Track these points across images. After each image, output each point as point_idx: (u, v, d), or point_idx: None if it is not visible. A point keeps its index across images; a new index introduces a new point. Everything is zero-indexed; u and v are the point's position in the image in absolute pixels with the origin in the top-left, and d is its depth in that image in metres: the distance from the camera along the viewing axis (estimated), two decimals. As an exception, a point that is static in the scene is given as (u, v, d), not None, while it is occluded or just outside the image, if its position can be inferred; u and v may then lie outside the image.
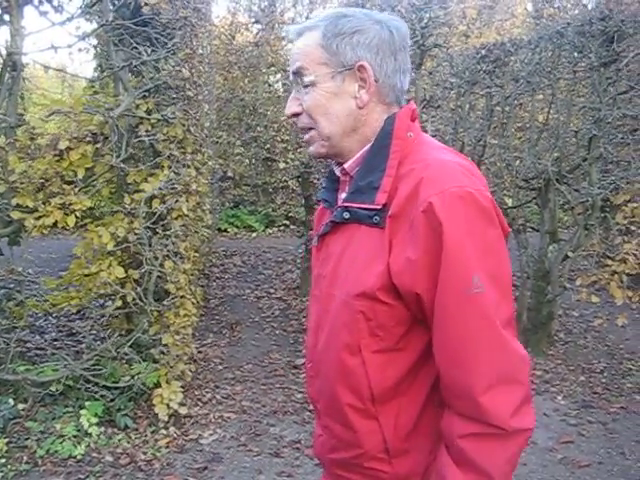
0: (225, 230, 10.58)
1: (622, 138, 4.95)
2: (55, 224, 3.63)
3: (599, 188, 4.82)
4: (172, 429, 3.87)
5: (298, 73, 1.31)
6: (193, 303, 4.22)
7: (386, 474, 1.29)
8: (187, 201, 3.99)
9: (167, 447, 3.73)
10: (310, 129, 1.33)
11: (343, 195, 1.36)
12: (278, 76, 11.23)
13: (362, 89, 1.28)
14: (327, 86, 1.29)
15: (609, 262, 4.70)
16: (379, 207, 1.23)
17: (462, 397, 1.17)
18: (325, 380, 1.34)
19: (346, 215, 1.29)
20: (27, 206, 3.54)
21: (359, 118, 1.30)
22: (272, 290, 7.32)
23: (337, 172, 1.39)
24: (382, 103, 1.31)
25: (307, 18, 11.41)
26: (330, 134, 1.31)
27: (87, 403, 3.77)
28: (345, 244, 1.30)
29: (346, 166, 1.34)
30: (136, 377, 3.83)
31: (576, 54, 5.11)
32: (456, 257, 1.13)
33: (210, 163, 5.73)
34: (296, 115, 1.35)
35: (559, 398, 4.56)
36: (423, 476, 1.28)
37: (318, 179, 6.32)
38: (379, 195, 1.23)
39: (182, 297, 4.01)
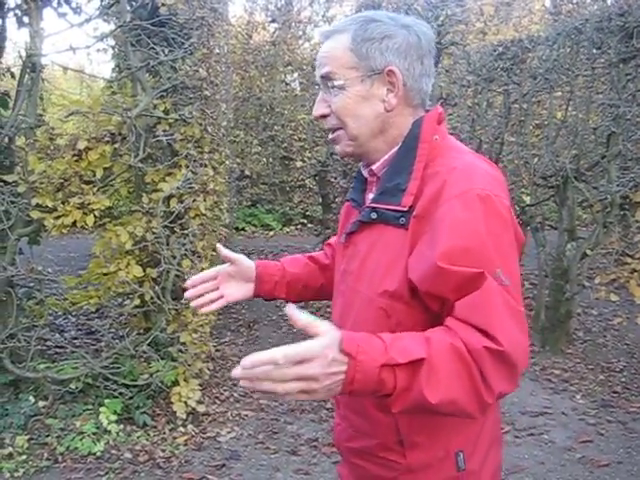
0: (242, 229, 10.61)
1: (641, 135, 4.90)
2: (74, 223, 3.67)
3: (618, 185, 4.78)
4: (190, 427, 3.90)
5: (326, 77, 1.34)
6: (211, 302, 4.23)
7: (399, 464, 1.33)
8: (204, 200, 4.01)
9: (185, 444, 3.76)
10: (338, 129, 1.36)
11: (370, 195, 1.39)
12: (295, 75, 11.26)
13: (390, 93, 1.31)
14: (356, 90, 1.31)
15: (628, 260, 4.66)
16: (405, 209, 1.25)
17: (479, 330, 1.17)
18: None
19: (373, 215, 1.32)
20: (46, 206, 3.57)
21: (387, 121, 1.33)
22: (289, 289, 7.32)
23: (365, 173, 1.43)
24: (409, 106, 1.34)
25: (324, 17, 11.41)
26: (358, 135, 1.34)
27: (106, 401, 3.81)
28: (372, 243, 1.33)
29: (374, 167, 1.37)
30: (154, 375, 3.86)
31: (595, 50, 5.07)
32: (479, 251, 1.16)
33: (227, 162, 5.75)
34: (324, 117, 1.38)
35: (578, 397, 4.53)
36: None
37: (335, 178, 6.33)
38: (405, 197, 1.26)
39: (200, 296, 4.02)
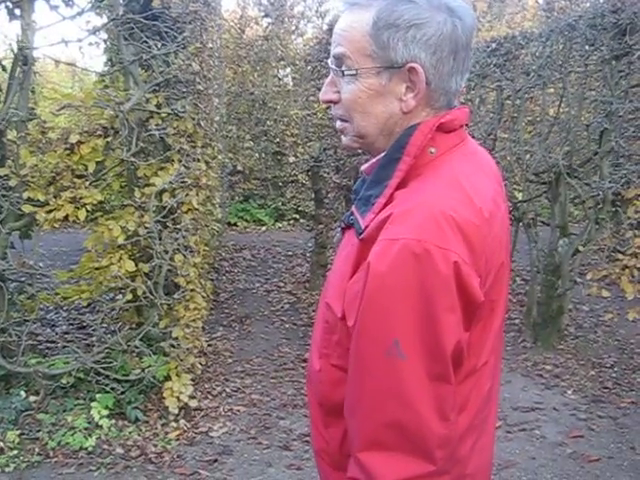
0: (235, 224, 10.59)
1: (634, 131, 4.93)
2: (66, 218, 3.65)
3: (610, 182, 4.80)
4: (182, 422, 3.89)
5: (339, 59, 1.15)
6: (203, 297, 4.23)
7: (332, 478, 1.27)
8: (197, 195, 4.00)
9: (177, 440, 3.75)
10: (345, 121, 1.19)
11: None
12: (288, 70, 11.23)
13: (410, 92, 1.12)
14: (370, 82, 1.12)
15: (620, 256, 4.68)
16: (363, 227, 1.12)
17: (352, 443, 1.11)
18: (307, 372, 1.34)
19: (351, 219, 1.20)
20: (38, 200, 3.56)
21: (400, 123, 1.15)
22: (282, 284, 7.33)
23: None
24: (430, 107, 1.14)
25: (317, 12, 11.39)
26: (366, 134, 1.17)
27: (98, 396, 3.80)
28: (344, 247, 1.24)
29: (362, 168, 1.25)
30: (146, 370, 3.85)
31: (587, 47, 5.08)
32: (376, 310, 1.03)
33: (220, 157, 5.73)
34: (331, 102, 1.20)
35: (569, 392, 4.55)
36: None
37: (328, 173, 6.32)
38: (368, 215, 1.12)
39: (192, 290, 4.02)
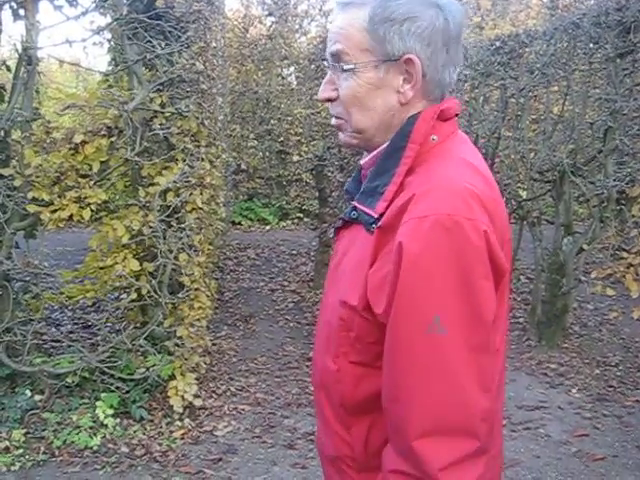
0: (239, 223, 10.59)
1: (638, 129, 4.90)
2: (70, 217, 3.66)
3: (615, 180, 4.79)
4: (187, 421, 3.90)
5: (336, 56, 1.18)
6: (207, 296, 4.24)
7: None
8: (201, 194, 4.00)
9: (182, 438, 3.76)
10: (341, 118, 1.22)
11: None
12: (292, 69, 11.23)
13: (407, 84, 1.16)
14: (368, 76, 1.16)
15: (624, 255, 4.67)
16: (376, 216, 1.14)
17: (398, 433, 1.09)
18: (315, 377, 1.32)
19: (354, 215, 1.22)
20: (43, 199, 3.57)
21: (398, 115, 1.18)
22: (286, 283, 7.34)
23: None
24: (425, 99, 1.19)
25: (320, 10, 11.39)
26: (364, 129, 1.20)
27: (103, 395, 3.81)
28: (348, 244, 1.24)
29: (362, 162, 1.26)
30: (151, 369, 3.86)
31: (592, 45, 5.06)
32: (412, 290, 1.04)
33: (224, 156, 5.74)
34: (329, 100, 1.23)
35: (574, 391, 4.54)
36: None
37: (332, 172, 6.32)
38: (380, 203, 1.14)
39: (196, 290, 4.03)
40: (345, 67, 1.17)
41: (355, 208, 1.21)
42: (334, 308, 1.20)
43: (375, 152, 1.22)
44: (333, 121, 1.25)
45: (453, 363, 1.03)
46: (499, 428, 1.23)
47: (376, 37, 1.15)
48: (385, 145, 1.19)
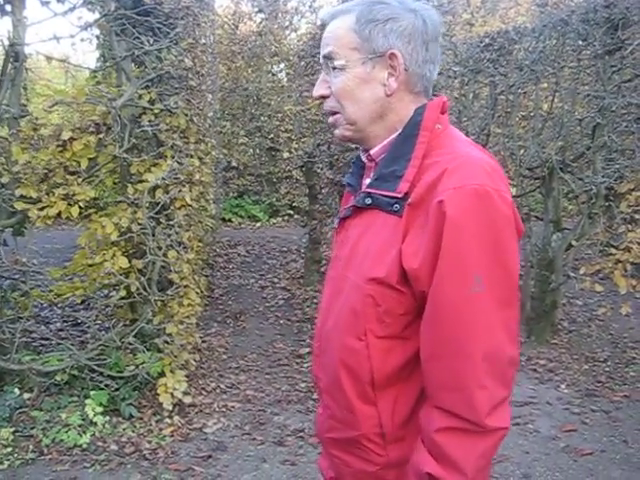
0: (229, 220, 10.59)
1: (626, 126, 4.92)
2: (59, 215, 3.64)
3: (603, 177, 4.81)
4: (176, 418, 3.89)
5: (328, 57, 1.33)
6: (197, 293, 4.23)
7: (380, 458, 1.32)
8: (190, 191, 3.99)
9: (171, 436, 3.75)
10: (336, 112, 1.35)
11: (367, 181, 1.38)
12: (282, 65, 11.22)
13: (391, 77, 1.30)
14: (357, 72, 1.30)
15: (613, 251, 4.69)
16: (400, 196, 1.25)
17: (453, 389, 1.19)
18: (329, 360, 1.36)
19: (368, 201, 1.32)
20: (31, 197, 3.55)
21: (386, 105, 1.32)
22: (276, 280, 7.34)
23: (363, 158, 1.41)
24: (410, 92, 1.33)
25: (310, 7, 11.38)
26: (356, 119, 1.33)
27: (92, 392, 3.79)
28: (364, 229, 1.32)
29: (372, 152, 1.36)
30: (140, 366, 3.85)
31: (580, 42, 5.09)
32: (457, 253, 1.16)
33: (214, 153, 5.73)
34: (323, 97, 1.37)
35: (562, 387, 4.57)
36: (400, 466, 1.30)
37: (321, 169, 6.32)
38: (402, 184, 1.25)
39: (186, 287, 4.02)
40: (336, 64, 1.31)
41: (369, 195, 1.32)
42: (358, 287, 1.28)
43: (385, 142, 1.34)
44: (329, 119, 1.38)
45: (491, 318, 1.17)
46: None
47: (363, 36, 1.29)
48: (395, 135, 1.32)
